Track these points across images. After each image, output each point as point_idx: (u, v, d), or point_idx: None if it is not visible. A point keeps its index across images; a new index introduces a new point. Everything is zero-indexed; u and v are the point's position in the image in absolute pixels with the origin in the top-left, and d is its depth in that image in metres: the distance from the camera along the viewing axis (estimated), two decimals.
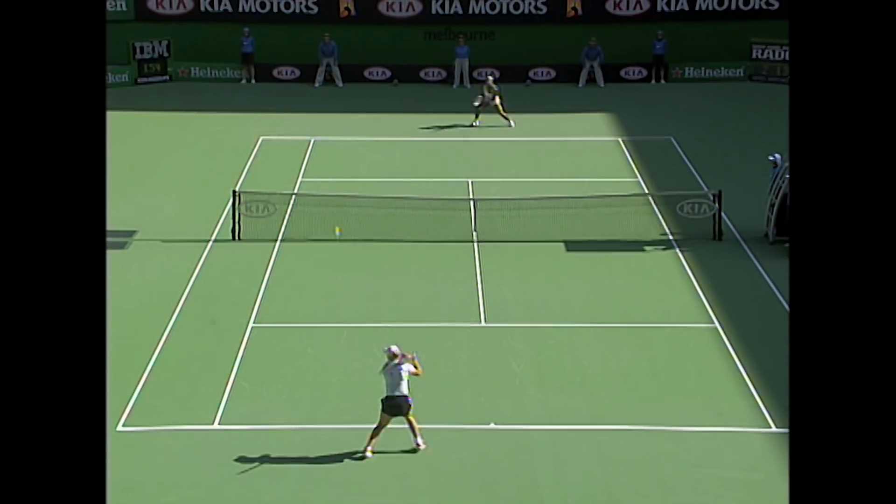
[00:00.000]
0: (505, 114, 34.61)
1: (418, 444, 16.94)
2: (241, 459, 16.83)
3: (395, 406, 16.82)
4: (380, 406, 16.95)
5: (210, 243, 25.35)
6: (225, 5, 40.56)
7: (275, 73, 40.50)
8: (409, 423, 16.92)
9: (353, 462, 16.79)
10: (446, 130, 34.38)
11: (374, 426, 16.88)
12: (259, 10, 40.57)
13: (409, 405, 16.88)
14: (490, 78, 35.42)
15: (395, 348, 17.10)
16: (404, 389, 16.84)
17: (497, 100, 34.48)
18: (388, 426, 16.86)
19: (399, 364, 16.89)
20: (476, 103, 34.56)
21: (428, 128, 34.57)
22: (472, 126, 34.54)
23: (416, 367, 17.05)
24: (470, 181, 29.51)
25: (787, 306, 21.84)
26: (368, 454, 16.77)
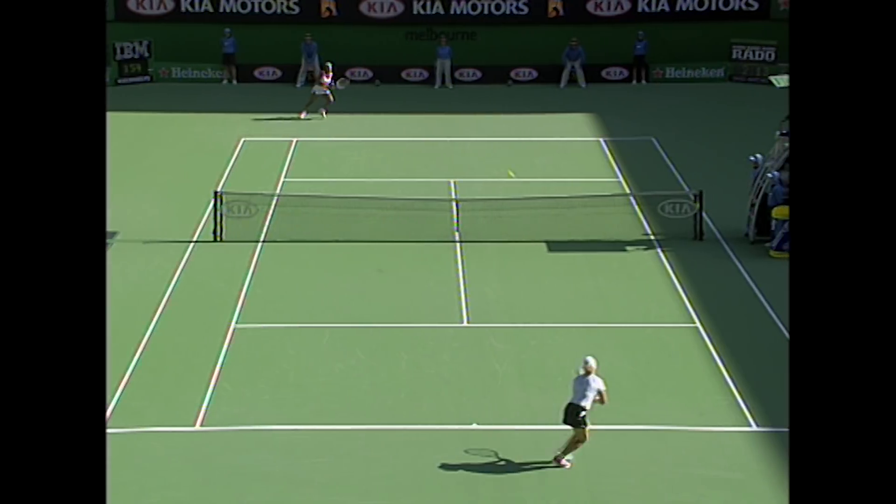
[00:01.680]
0: (307, 109, 35.22)
1: (559, 460, 16.57)
2: (224, 461, 16.82)
3: (568, 413, 16.41)
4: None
5: (192, 244, 25.32)
6: (206, 6, 40.48)
7: (256, 73, 40.46)
8: (572, 438, 16.48)
9: (336, 463, 16.79)
10: (430, 130, 34.37)
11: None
12: (240, 10, 40.51)
13: (582, 419, 16.33)
14: (329, 65, 35.80)
15: (592, 362, 16.55)
16: (585, 403, 16.31)
17: (318, 91, 35.12)
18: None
19: (587, 377, 16.43)
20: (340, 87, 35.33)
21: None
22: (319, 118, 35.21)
23: (604, 392, 16.52)
24: (452, 181, 29.53)
25: (767, 305, 21.92)
26: (565, 464, 16.54)
